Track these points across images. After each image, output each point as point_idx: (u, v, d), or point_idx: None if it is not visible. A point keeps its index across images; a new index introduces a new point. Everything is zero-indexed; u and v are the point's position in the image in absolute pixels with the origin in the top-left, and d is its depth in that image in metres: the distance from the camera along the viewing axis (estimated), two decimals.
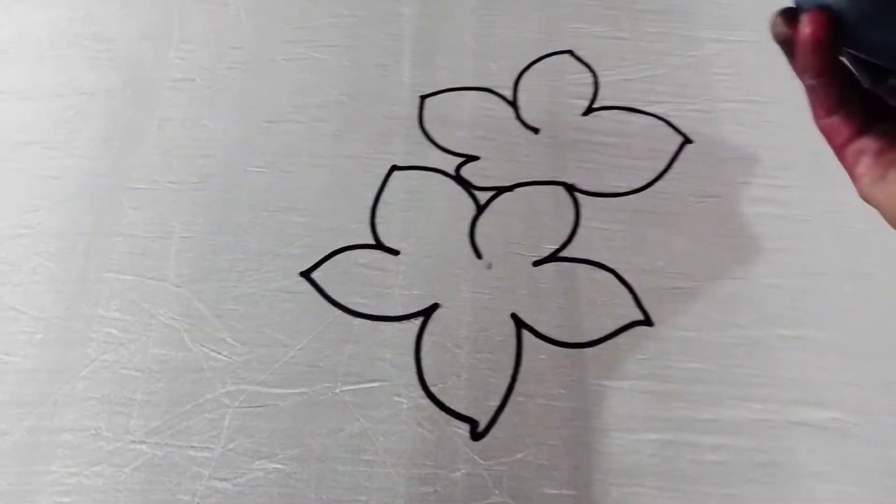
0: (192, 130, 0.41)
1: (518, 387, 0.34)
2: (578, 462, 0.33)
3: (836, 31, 0.19)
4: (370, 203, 0.39)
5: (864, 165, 0.20)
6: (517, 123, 0.43)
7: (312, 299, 0.36)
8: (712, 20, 0.47)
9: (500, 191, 0.40)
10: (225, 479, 0.31)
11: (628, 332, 0.36)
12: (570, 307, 0.36)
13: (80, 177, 0.39)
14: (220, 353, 0.34)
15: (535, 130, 0.42)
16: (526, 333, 0.35)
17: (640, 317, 0.36)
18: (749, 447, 0.33)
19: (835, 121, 0.21)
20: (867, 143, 0.20)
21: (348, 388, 0.34)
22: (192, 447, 0.32)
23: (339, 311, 0.35)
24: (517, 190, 0.40)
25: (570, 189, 0.40)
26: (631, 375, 0.35)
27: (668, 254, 0.38)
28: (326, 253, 0.37)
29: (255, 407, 0.33)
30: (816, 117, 0.21)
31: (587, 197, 0.40)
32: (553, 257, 0.38)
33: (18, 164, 0.40)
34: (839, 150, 0.21)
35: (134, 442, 0.32)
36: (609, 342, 0.35)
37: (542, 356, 0.35)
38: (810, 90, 0.20)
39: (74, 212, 0.38)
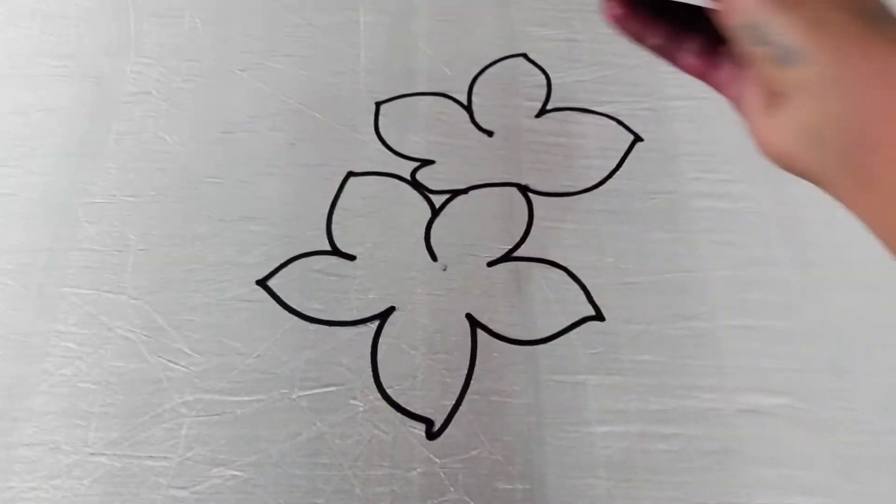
0: (148, 144, 0.41)
1: (473, 385, 0.35)
2: (532, 456, 0.33)
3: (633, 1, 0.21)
4: (326, 210, 0.40)
5: (741, 101, 0.21)
6: (472, 127, 0.43)
7: (269, 307, 0.36)
8: None
9: (454, 194, 0.41)
10: (183, 488, 0.32)
11: (580, 327, 0.36)
12: (524, 305, 0.37)
13: (37, 193, 0.40)
14: (177, 364, 0.34)
15: (490, 133, 0.43)
16: (481, 333, 0.36)
17: (591, 312, 0.37)
18: (700, 435, 0.34)
19: (688, 62, 0.21)
20: (724, 73, 0.21)
21: (305, 393, 0.34)
22: (150, 457, 0.32)
23: (296, 318, 0.36)
24: (472, 192, 0.41)
25: (524, 190, 0.41)
26: (583, 370, 0.35)
27: (619, 250, 0.39)
28: (283, 261, 0.38)
29: (212, 415, 0.33)
30: (675, 66, 0.22)
31: (540, 197, 0.40)
32: (507, 257, 0.38)
33: None
34: (718, 90, 0.22)
35: (93, 454, 0.32)
36: (561, 338, 0.36)
37: (496, 354, 0.36)
38: (651, 50, 0.21)
39: (32, 228, 0.38)
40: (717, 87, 0.22)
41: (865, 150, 0.17)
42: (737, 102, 0.21)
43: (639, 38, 0.22)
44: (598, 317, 0.37)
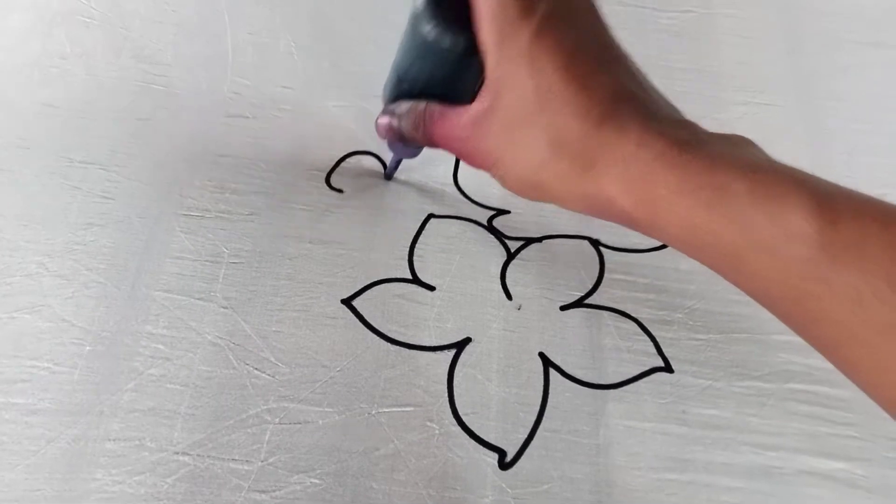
0: (246, 169, 0.43)
1: (545, 422, 0.36)
2: (601, 497, 0.34)
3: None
4: (408, 243, 0.41)
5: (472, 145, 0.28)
6: None
7: (352, 325, 0.38)
8: (738, 81, 0.50)
9: (529, 241, 0.42)
10: (264, 492, 0.32)
11: (649, 377, 0.38)
12: (595, 351, 0.38)
13: (134, 199, 0.41)
14: (262, 372, 0.36)
15: None
16: (553, 372, 0.37)
17: (660, 363, 0.38)
18: (762, 491, 0.35)
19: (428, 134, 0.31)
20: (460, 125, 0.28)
21: (384, 410, 0.35)
22: (233, 460, 0.33)
23: (377, 338, 0.37)
24: (545, 241, 0.43)
25: (595, 244, 0.42)
26: (651, 418, 0.36)
27: (687, 308, 0.40)
28: (367, 283, 0.39)
29: (294, 424, 0.34)
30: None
31: (611, 251, 0.42)
32: (579, 303, 0.40)
33: (74, 183, 0.42)
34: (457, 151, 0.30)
35: (177, 453, 0.33)
36: (631, 385, 0.37)
37: (567, 394, 0.37)
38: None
39: (128, 232, 0.40)
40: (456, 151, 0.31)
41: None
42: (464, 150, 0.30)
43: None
44: (667, 368, 0.38)
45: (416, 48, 0.29)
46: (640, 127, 0.23)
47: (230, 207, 0.41)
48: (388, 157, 0.44)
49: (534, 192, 0.26)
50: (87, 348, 0.36)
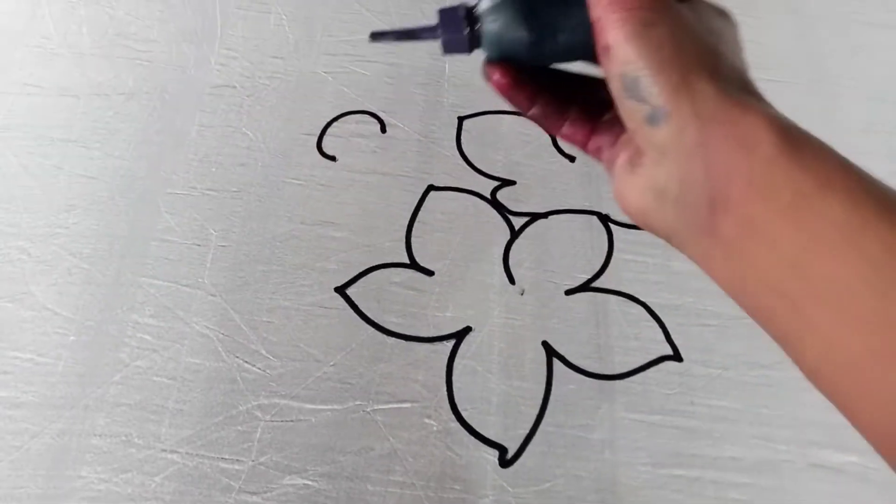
0: (231, 138, 0.41)
1: (548, 416, 0.34)
2: (604, 495, 0.33)
3: (518, 71, 0.21)
4: (406, 221, 0.39)
5: (612, 161, 0.21)
6: (554, 150, 0.43)
7: (346, 315, 0.36)
8: (750, 59, 0.47)
9: (534, 217, 0.40)
10: (255, 493, 0.31)
11: (657, 366, 0.36)
12: (601, 338, 0.37)
13: (117, 178, 0.39)
14: (253, 366, 0.34)
15: (572, 159, 0.43)
16: (556, 362, 0.36)
17: (669, 352, 0.36)
18: (771, 486, 0.34)
19: (569, 131, 0.22)
20: (602, 139, 0.22)
21: (380, 407, 0.34)
22: (223, 459, 0.32)
23: (373, 329, 0.36)
24: (552, 217, 0.40)
25: (605, 219, 0.40)
26: (659, 410, 0.35)
27: (699, 290, 0.38)
28: (362, 269, 0.37)
29: (286, 421, 0.33)
30: (555, 135, 0.23)
31: (621, 228, 0.40)
32: (585, 287, 0.38)
33: (55, 162, 0.40)
34: (594, 156, 0.22)
35: (165, 451, 0.32)
36: (638, 375, 0.36)
37: (571, 386, 0.35)
38: (534, 119, 0.22)
39: (111, 213, 0.38)
40: (594, 153, 0.22)
41: (715, 210, 0.18)
42: (609, 164, 0.22)
43: (521, 107, 0.22)
44: (676, 357, 0.36)
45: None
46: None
47: (216, 184, 0.39)
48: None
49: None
50: (72, 338, 0.35)
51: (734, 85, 0.19)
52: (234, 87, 0.43)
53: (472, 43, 0.22)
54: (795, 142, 0.18)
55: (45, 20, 0.46)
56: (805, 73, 0.48)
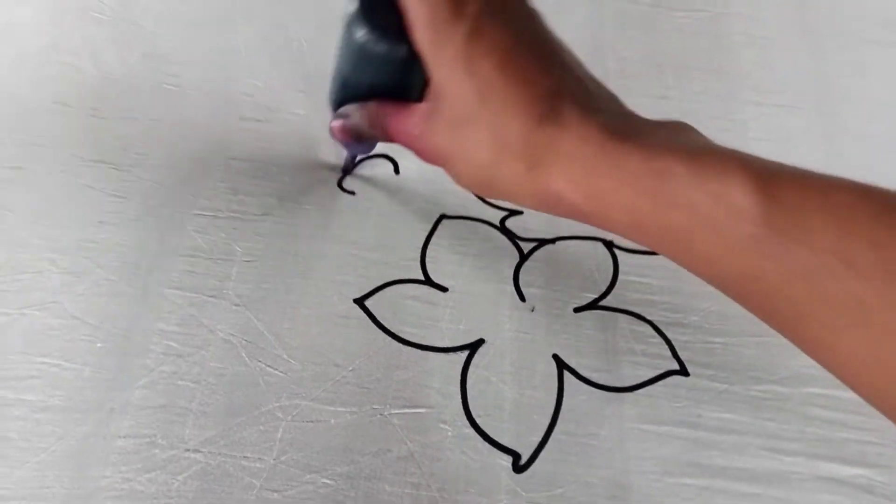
0: (258, 171, 0.43)
1: (559, 424, 0.35)
2: (616, 502, 0.33)
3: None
4: (421, 243, 0.41)
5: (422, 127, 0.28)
6: None
7: (364, 325, 0.37)
8: (753, 82, 0.50)
9: (542, 242, 0.42)
10: (276, 491, 0.32)
11: (665, 380, 0.37)
12: (610, 353, 0.38)
13: (147, 199, 0.41)
14: (275, 369, 0.35)
15: None
16: (567, 374, 0.37)
17: (676, 367, 0.38)
18: (779, 497, 0.34)
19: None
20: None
21: (396, 411, 0.35)
22: (245, 457, 0.33)
23: (389, 338, 0.37)
24: (558, 243, 0.42)
25: (609, 245, 0.42)
26: (668, 421, 0.36)
27: (702, 310, 0.40)
28: (379, 283, 0.39)
29: (307, 422, 0.34)
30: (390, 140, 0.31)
31: (625, 253, 0.42)
32: (593, 305, 0.40)
33: (86, 181, 0.42)
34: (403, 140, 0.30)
35: (188, 450, 0.33)
36: (646, 388, 0.37)
37: (582, 397, 0.36)
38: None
39: (139, 231, 0.40)
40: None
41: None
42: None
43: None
44: (683, 371, 0.38)
45: (355, 53, 0.28)
46: (579, 121, 0.23)
47: (243, 208, 0.41)
48: (341, 155, 0.44)
49: (487, 190, 0.27)
50: (98, 345, 0.36)
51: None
52: (260, 120, 0.46)
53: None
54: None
55: (73, 36, 0.47)
56: (809, 95, 0.49)
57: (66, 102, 0.44)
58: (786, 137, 0.47)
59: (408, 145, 0.29)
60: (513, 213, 0.43)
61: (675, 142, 0.22)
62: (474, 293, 0.39)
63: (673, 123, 0.24)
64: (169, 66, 0.47)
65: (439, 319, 0.38)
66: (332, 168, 0.44)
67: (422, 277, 0.40)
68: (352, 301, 0.38)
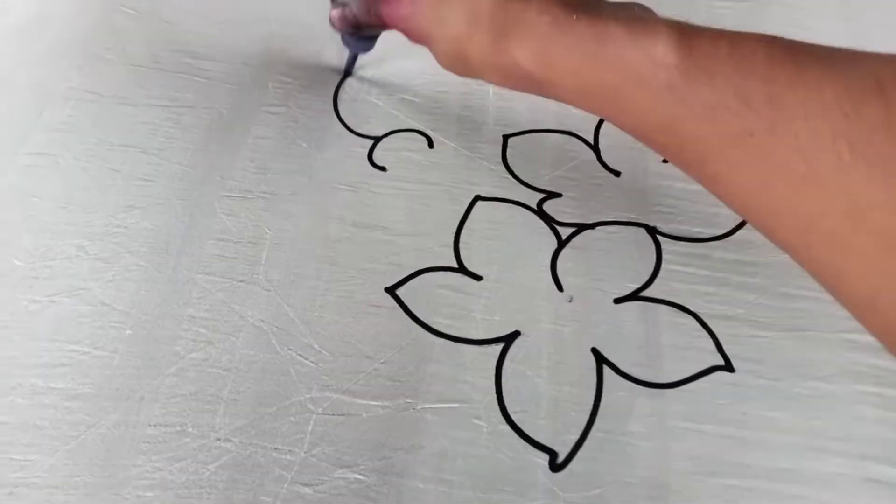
0: (286, 148, 0.42)
1: (598, 422, 0.34)
2: (657, 503, 0.32)
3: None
4: (454, 228, 0.40)
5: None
6: (599, 165, 0.44)
7: (396, 315, 0.36)
8: None
9: (581, 227, 0.41)
10: (307, 485, 0.31)
11: (709, 376, 0.36)
12: (651, 347, 0.36)
13: (175, 182, 0.41)
14: (306, 359, 0.34)
15: (617, 173, 0.43)
16: (606, 369, 0.36)
17: (721, 362, 0.36)
18: (826, 500, 0.33)
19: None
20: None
21: (429, 406, 0.34)
22: (275, 449, 0.32)
23: (422, 329, 0.36)
24: (598, 228, 0.41)
25: (652, 231, 0.40)
26: (710, 420, 0.35)
27: (749, 302, 0.38)
28: (411, 272, 0.38)
29: (338, 415, 0.33)
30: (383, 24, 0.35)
31: (668, 240, 0.40)
32: (634, 296, 0.38)
33: (114, 166, 0.41)
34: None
35: (219, 439, 0.32)
36: (689, 385, 0.35)
37: (622, 393, 0.35)
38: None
39: (168, 214, 0.39)
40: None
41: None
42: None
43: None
44: (728, 367, 0.36)
45: None
46: None
47: (272, 188, 0.40)
48: (343, 55, 0.46)
49: (461, 66, 0.30)
50: (128, 332, 0.35)
51: None
52: (289, 106, 0.45)
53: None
54: None
55: (105, 29, 0.47)
56: None
57: (96, 91, 0.44)
58: None
59: (398, 28, 0.33)
60: (551, 195, 0.42)
61: (621, 13, 0.25)
62: (510, 282, 0.38)
63: (631, 2, 0.27)
64: (200, 61, 0.46)
65: (473, 310, 0.37)
66: (361, 145, 0.43)
67: (455, 265, 0.39)
68: (383, 290, 0.37)
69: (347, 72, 0.45)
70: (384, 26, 0.34)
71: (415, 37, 0.32)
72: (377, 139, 0.44)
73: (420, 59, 0.38)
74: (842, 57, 0.20)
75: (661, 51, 0.22)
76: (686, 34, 0.22)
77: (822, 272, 0.22)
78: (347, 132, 0.44)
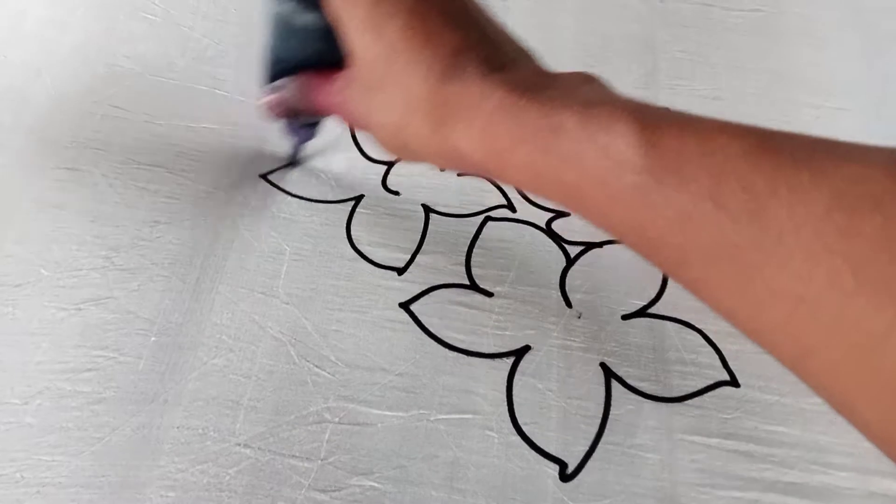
0: (308, 176, 0.43)
1: (607, 434, 0.35)
2: None
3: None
4: (465, 248, 0.41)
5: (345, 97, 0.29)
6: None
7: (410, 329, 0.37)
8: (809, 84, 0.48)
9: (589, 246, 0.42)
10: (324, 491, 0.32)
11: (714, 391, 0.37)
12: (658, 363, 0.37)
13: (199, 200, 0.42)
14: (323, 370, 0.36)
15: None
16: (615, 383, 0.37)
17: (726, 377, 0.37)
18: None
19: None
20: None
21: (443, 416, 0.35)
22: (293, 456, 0.33)
23: (436, 343, 0.37)
24: (606, 247, 0.42)
25: None
26: (717, 433, 0.35)
27: None
28: (425, 288, 0.39)
29: (354, 425, 0.34)
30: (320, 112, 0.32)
31: None
32: (642, 312, 0.39)
33: (142, 184, 0.43)
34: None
35: (239, 445, 0.33)
36: (695, 399, 0.36)
37: (629, 406, 0.36)
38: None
39: (193, 230, 0.41)
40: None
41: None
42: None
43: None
44: (733, 383, 0.37)
45: (280, 26, 0.30)
46: (481, 78, 0.23)
47: (293, 210, 0.42)
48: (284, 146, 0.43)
49: (403, 152, 0.27)
50: (153, 339, 0.37)
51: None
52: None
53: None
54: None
55: (124, 37, 0.48)
56: (866, 97, 0.48)
57: (119, 106, 0.46)
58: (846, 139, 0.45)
59: (335, 114, 0.31)
60: (559, 214, 0.43)
61: (572, 96, 0.23)
62: (520, 298, 0.39)
63: (577, 75, 0.25)
64: (220, 71, 0.47)
65: (485, 325, 0.38)
66: (376, 172, 0.44)
67: (467, 282, 0.40)
68: (398, 305, 0.38)
69: (293, 161, 0.43)
70: (320, 113, 0.32)
71: (354, 124, 0.30)
72: (391, 164, 0.45)
73: None
74: (823, 155, 0.18)
75: (623, 149, 0.20)
76: (648, 127, 0.20)
77: (830, 400, 0.20)
78: (361, 159, 0.44)
